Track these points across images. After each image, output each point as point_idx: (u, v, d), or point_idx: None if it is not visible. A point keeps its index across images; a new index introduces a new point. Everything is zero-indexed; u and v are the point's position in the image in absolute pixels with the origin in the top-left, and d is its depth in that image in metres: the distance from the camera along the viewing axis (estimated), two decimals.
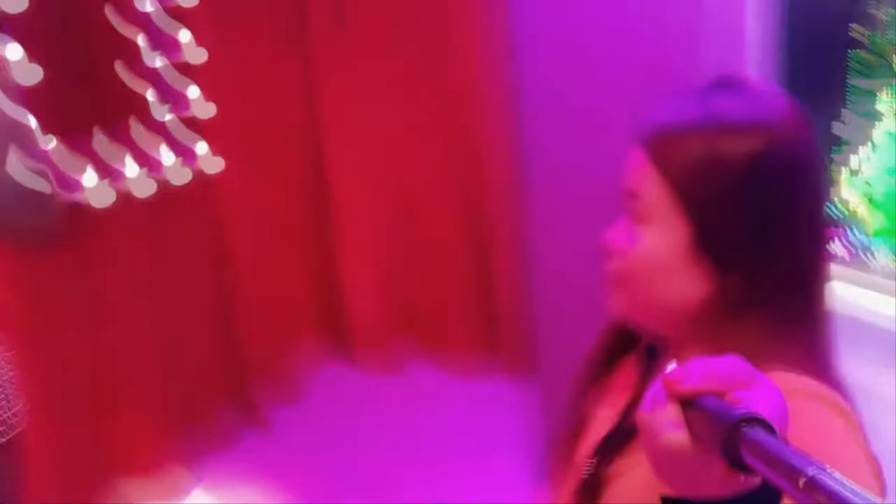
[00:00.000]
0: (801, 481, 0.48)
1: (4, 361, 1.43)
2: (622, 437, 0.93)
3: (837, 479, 0.47)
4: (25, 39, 2.36)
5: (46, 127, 2.43)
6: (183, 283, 3.06)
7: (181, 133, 3.04)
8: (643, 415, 0.63)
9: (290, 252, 3.67)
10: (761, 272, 0.84)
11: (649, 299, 0.90)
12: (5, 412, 1.37)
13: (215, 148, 3.14)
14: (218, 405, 3.19)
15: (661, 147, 0.86)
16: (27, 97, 2.35)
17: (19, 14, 2.34)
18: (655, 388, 0.62)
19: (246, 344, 3.36)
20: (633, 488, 0.88)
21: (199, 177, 3.07)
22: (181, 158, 3.00)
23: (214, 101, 3.12)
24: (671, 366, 0.62)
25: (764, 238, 0.84)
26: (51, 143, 2.46)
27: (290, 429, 3.29)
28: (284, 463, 3.05)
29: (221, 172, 3.17)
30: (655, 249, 0.87)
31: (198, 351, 3.13)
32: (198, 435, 3.02)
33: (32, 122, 2.36)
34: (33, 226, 1.55)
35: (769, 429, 0.54)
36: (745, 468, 0.54)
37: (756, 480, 0.58)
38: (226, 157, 3.18)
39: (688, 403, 0.60)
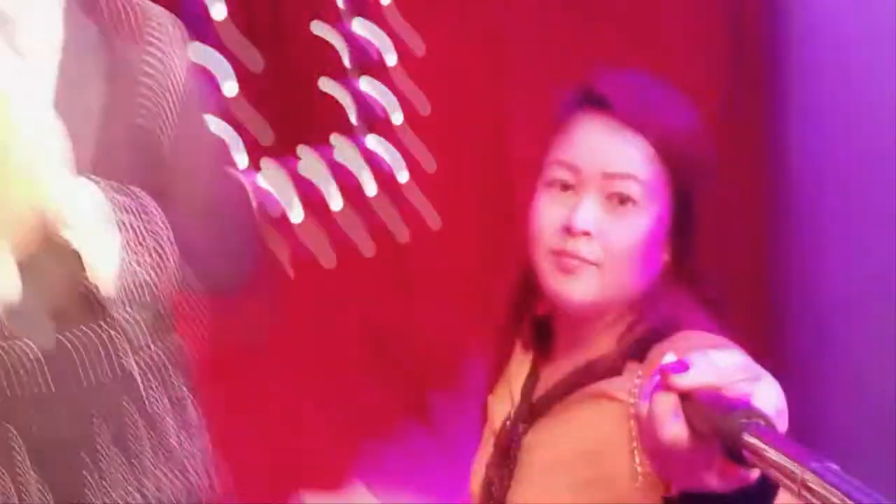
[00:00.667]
0: (801, 476, 0.48)
1: (195, 409, 1.34)
2: (527, 414, 0.99)
3: (837, 473, 0.48)
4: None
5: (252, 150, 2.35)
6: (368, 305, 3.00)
7: (385, 153, 2.93)
8: (642, 406, 0.63)
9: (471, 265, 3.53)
10: (689, 252, 0.96)
11: (626, 281, 0.94)
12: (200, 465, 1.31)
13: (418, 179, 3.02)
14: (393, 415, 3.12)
15: (665, 136, 0.92)
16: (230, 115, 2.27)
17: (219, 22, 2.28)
18: (654, 380, 0.62)
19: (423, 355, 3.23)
20: (543, 464, 0.94)
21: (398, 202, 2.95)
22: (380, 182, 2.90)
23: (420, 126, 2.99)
24: (669, 357, 0.62)
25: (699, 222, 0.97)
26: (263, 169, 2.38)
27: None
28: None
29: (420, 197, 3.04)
30: (645, 231, 0.93)
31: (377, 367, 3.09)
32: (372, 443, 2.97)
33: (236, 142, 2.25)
34: (239, 270, 1.30)
35: (768, 423, 0.55)
36: (743, 462, 0.55)
37: (755, 474, 0.58)
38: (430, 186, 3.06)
39: (687, 396, 0.59)
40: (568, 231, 0.92)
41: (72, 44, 1.14)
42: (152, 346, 1.21)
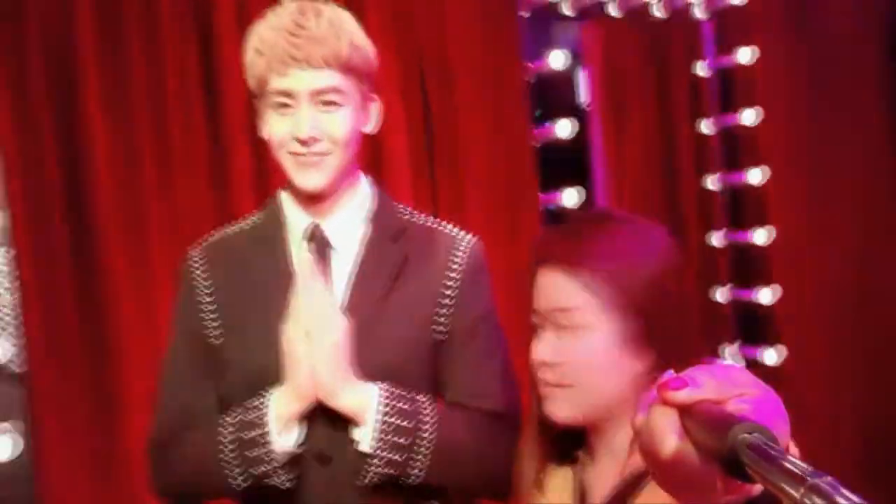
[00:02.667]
0: (802, 490, 0.47)
1: None
2: None
3: (837, 488, 0.46)
4: None
5: None
6: None
7: None
8: (641, 421, 0.63)
9: None
10: (677, 352, 1.01)
11: (600, 392, 1.06)
12: None
13: None
14: None
15: (599, 264, 1.04)
16: None
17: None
18: (654, 395, 0.62)
19: None
20: None
21: None
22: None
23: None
24: (669, 373, 0.62)
25: (679, 318, 1.08)
26: None
27: None
28: None
29: None
30: (601, 347, 1.04)
31: None
32: None
33: None
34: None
35: (769, 437, 0.53)
36: (745, 476, 0.53)
37: (756, 489, 0.58)
38: None
39: (686, 411, 0.59)
40: (540, 364, 1.09)
41: (369, 265, 1.40)
42: None
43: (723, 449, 0.54)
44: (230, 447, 1.32)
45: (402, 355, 1.37)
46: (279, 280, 1.36)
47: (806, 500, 0.47)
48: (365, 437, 1.30)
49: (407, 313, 1.38)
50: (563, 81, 2.61)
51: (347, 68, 1.33)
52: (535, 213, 2.47)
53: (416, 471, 1.31)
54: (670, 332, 1.05)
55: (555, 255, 1.08)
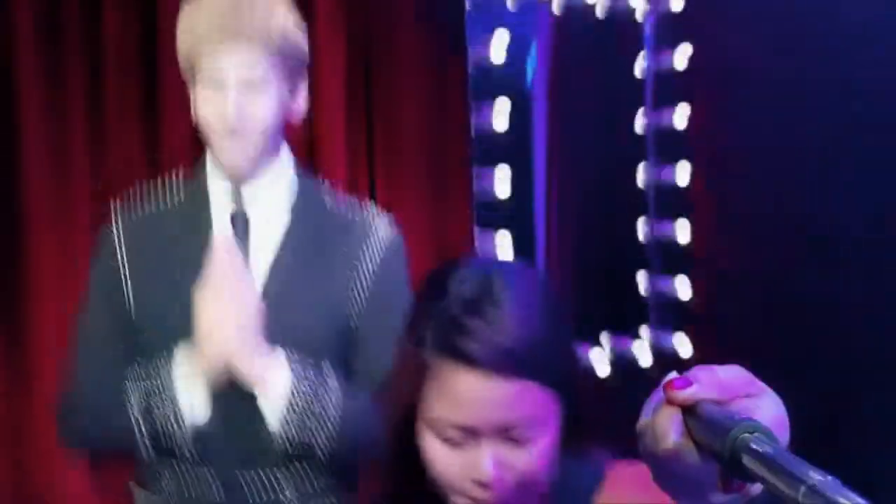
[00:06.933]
0: (802, 490, 0.47)
1: None
2: None
3: (838, 488, 0.46)
4: None
5: None
6: None
7: None
8: (644, 422, 0.63)
9: None
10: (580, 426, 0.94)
11: (544, 485, 0.93)
12: None
13: None
14: None
15: (535, 364, 0.88)
16: None
17: None
18: (657, 395, 0.62)
19: None
20: None
21: None
22: None
23: None
24: (672, 374, 0.62)
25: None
26: None
27: None
28: None
29: None
30: (550, 454, 0.91)
31: None
32: None
33: None
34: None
35: (771, 437, 0.54)
36: (746, 476, 0.54)
37: (757, 488, 0.58)
38: None
39: (689, 410, 0.59)
40: (478, 482, 0.90)
41: (289, 246, 1.44)
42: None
43: (724, 448, 0.55)
44: (140, 416, 1.36)
45: (315, 338, 1.42)
46: (197, 251, 1.39)
47: (806, 501, 0.47)
48: (271, 407, 1.35)
49: (322, 297, 1.43)
50: (506, 68, 2.67)
51: (277, 53, 1.37)
52: (467, 197, 2.55)
53: (321, 448, 1.37)
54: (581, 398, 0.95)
55: (478, 354, 0.87)
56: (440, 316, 0.90)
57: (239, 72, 1.35)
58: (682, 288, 3.01)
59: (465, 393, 0.87)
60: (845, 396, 3.08)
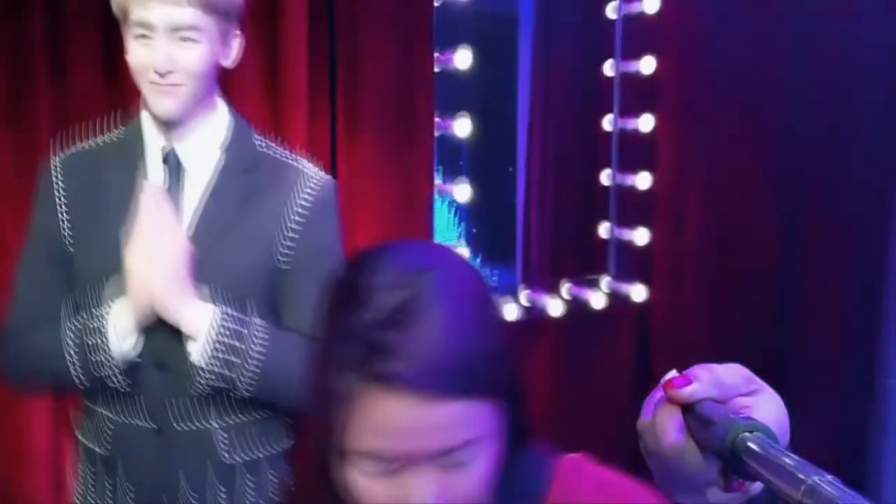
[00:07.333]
0: (802, 489, 0.47)
1: None
2: None
3: (838, 486, 0.47)
4: None
5: None
6: None
7: None
8: (645, 420, 0.62)
9: None
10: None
11: None
12: None
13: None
14: None
15: (476, 378, 0.75)
16: None
17: None
18: (657, 393, 0.62)
19: None
20: None
21: None
22: None
23: None
24: (672, 372, 0.61)
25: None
26: None
27: None
28: None
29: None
30: (493, 472, 0.80)
31: None
32: None
33: None
34: None
35: (770, 436, 0.54)
36: (746, 475, 0.54)
37: (757, 487, 0.58)
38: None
39: (689, 409, 0.59)
40: None
41: (220, 192, 1.49)
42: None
43: (724, 447, 0.55)
44: (73, 349, 1.43)
45: (245, 282, 1.48)
46: (129, 189, 1.45)
47: (806, 499, 0.47)
48: (198, 352, 1.42)
49: (253, 242, 1.49)
50: (468, 8, 2.65)
51: (208, 7, 1.41)
52: (429, 142, 2.55)
53: (243, 386, 1.44)
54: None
55: (407, 375, 0.72)
56: (358, 332, 0.75)
57: (168, 20, 1.38)
58: (641, 236, 3.05)
59: (394, 422, 0.73)
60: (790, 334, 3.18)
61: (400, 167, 2.49)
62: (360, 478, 0.77)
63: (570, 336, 2.93)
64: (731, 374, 0.60)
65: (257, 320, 1.47)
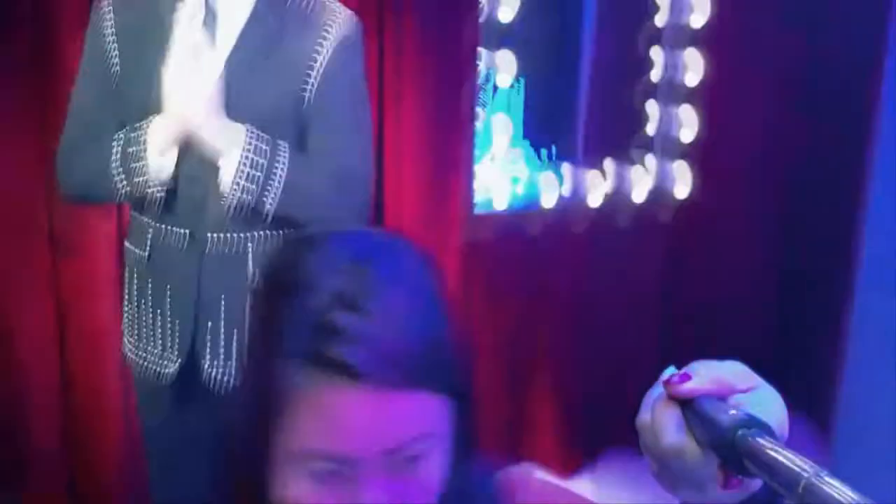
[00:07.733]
0: (801, 485, 0.48)
1: None
2: None
3: (835, 483, 0.47)
4: None
5: None
6: None
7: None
8: (644, 417, 0.62)
9: None
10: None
11: None
12: None
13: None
14: None
15: (430, 368, 0.70)
16: None
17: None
18: (656, 390, 0.62)
19: None
20: None
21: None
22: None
23: None
24: (670, 369, 0.61)
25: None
26: None
27: None
28: None
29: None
30: (443, 475, 0.74)
31: None
32: None
33: None
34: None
35: (769, 433, 0.54)
36: (746, 472, 0.54)
37: (756, 484, 0.58)
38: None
39: (688, 406, 0.59)
40: None
41: (251, 30, 1.62)
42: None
43: (723, 444, 0.55)
44: (116, 158, 1.62)
45: (272, 114, 1.62)
46: (174, 24, 1.59)
47: (805, 496, 0.48)
48: (228, 167, 1.58)
49: (281, 77, 1.63)
50: None
51: None
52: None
53: (268, 202, 1.60)
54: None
55: (358, 363, 0.67)
56: (304, 315, 0.69)
57: None
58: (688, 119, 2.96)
59: (342, 414, 0.67)
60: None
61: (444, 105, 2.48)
62: (297, 482, 0.70)
63: (606, 230, 2.89)
64: (730, 370, 0.60)
65: (282, 142, 1.61)
